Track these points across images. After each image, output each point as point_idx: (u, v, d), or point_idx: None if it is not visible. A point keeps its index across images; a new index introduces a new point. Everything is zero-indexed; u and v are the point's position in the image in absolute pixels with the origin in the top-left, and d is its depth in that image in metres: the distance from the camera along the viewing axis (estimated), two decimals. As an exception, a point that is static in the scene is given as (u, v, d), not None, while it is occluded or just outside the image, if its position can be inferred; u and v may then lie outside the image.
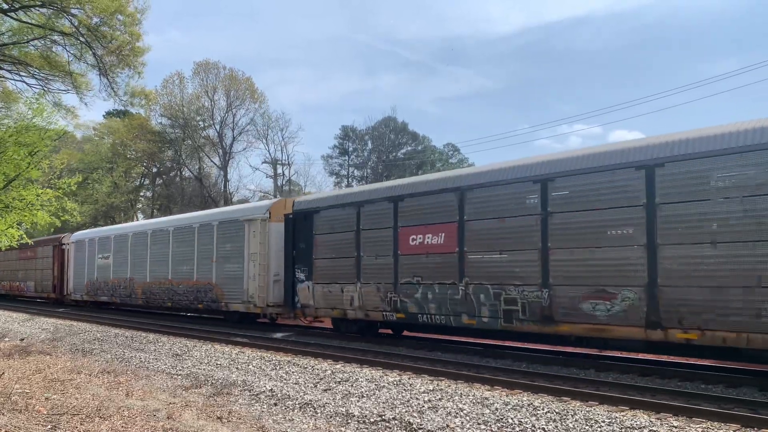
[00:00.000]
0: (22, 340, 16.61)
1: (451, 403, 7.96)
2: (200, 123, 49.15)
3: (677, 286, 9.45)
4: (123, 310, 26.90)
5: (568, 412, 7.36)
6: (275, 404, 8.27)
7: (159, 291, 22.49)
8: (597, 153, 10.83)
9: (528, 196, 11.43)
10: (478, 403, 7.95)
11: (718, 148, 9.27)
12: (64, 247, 30.11)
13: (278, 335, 16.66)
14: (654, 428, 6.64)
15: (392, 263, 13.75)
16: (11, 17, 21.50)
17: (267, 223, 18.03)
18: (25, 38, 22.75)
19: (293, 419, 7.49)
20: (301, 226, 16.25)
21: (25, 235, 17.30)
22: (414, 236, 13.33)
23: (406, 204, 13.62)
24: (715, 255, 9.11)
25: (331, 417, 7.54)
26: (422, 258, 13.13)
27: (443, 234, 12.77)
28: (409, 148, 55.39)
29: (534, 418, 7.19)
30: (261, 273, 17.85)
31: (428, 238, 13.06)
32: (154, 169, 53.23)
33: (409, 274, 13.38)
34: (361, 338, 15.24)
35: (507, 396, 8.41)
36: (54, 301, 31.01)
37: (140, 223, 29.97)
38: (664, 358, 11.56)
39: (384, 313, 14.00)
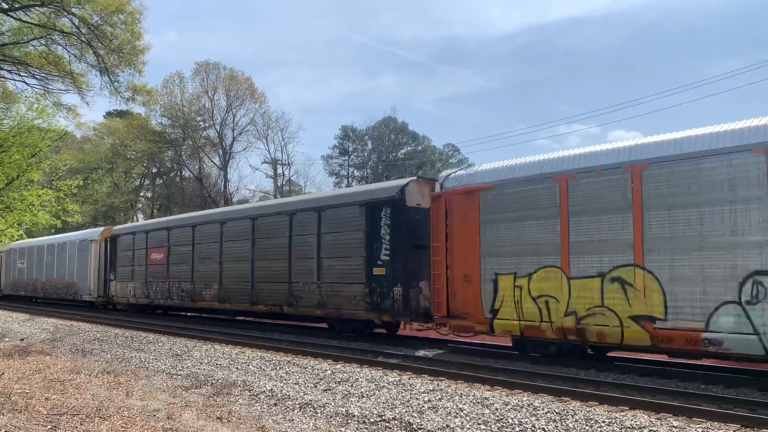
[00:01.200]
0: (22, 340, 16.61)
1: (451, 403, 7.96)
2: (200, 123, 49.21)
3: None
4: (125, 310, 27.69)
5: (568, 412, 7.36)
6: (275, 404, 8.27)
7: (48, 286, 32.11)
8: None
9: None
10: (478, 403, 7.95)
11: None
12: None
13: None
14: (654, 428, 6.64)
15: (144, 270, 23.80)
16: (11, 17, 21.50)
17: (98, 243, 27.33)
18: (25, 38, 22.75)
19: (293, 419, 7.49)
20: (112, 246, 26.15)
21: (25, 235, 17.33)
22: (154, 254, 23.34)
23: (152, 235, 23.63)
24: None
25: (331, 417, 7.54)
26: (157, 267, 23.06)
27: (162, 253, 22.88)
28: (409, 148, 55.41)
29: (534, 418, 7.19)
30: (96, 276, 27.51)
31: (157, 255, 23.24)
32: (154, 170, 53.26)
33: (151, 276, 23.33)
34: (357, 338, 15.37)
35: (507, 396, 8.41)
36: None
37: (41, 239, 36.09)
38: (664, 358, 11.56)
39: (143, 299, 24.17)
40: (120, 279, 25.45)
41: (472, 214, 12.02)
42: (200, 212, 24.89)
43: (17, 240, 16.88)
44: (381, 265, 14.17)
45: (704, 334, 8.95)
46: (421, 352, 12.95)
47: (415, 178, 14.88)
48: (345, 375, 10.06)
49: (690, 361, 11.14)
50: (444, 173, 13.27)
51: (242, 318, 22.05)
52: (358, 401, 8.29)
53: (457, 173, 12.99)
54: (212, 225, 20.39)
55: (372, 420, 7.31)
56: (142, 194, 56.78)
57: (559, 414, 7.29)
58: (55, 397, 8.67)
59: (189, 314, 24.81)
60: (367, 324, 15.34)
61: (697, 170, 9.29)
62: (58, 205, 16.34)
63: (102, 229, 29.36)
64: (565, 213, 10.68)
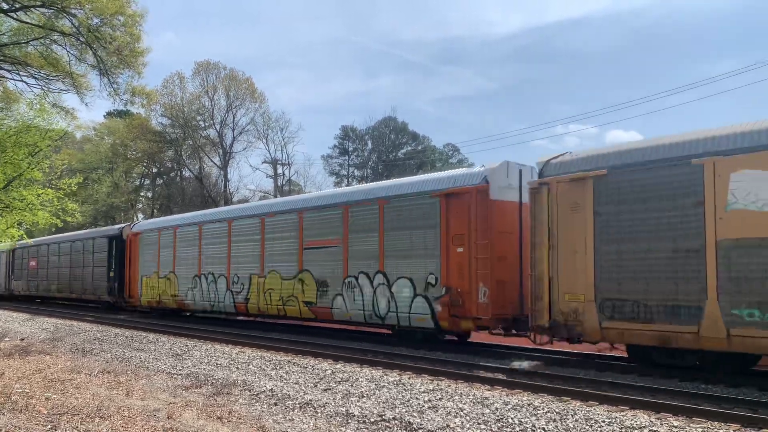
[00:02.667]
0: (22, 339, 16.61)
1: (451, 403, 7.96)
2: (200, 123, 49.18)
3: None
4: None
5: (568, 411, 7.36)
6: (275, 404, 8.27)
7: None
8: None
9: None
10: (478, 402, 7.95)
11: None
12: None
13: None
14: (654, 428, 6.64)
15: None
16: (11, 17, 21.48)
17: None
18: (25, 38, 22.73)
19: (293, 419, 7.49)
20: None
21: (25, 235, 17.33)
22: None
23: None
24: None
25: (331, 417, 7.54)
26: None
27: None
28: (409, 148, 55.39)
29: (534, 417, 7.19)
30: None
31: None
32: (155, 169, 53.24)
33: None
34: (362, 338, 15.27)
35: (507, 396, 8.41)
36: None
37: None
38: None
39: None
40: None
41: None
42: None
43: (18, 240, 16.85)
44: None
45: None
46: (515, 364, 10.97)
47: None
48: (345, 375, 10.06)
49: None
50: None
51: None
52: (358, 401, 8.29)
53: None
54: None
55: (372, 420, 7.31)
56: (142, 194, 56.76)
57: (559, 414, 7.29)
58: (55, 396, 8.67)
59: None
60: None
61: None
62: (58, 205, 16.32)
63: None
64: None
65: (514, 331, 12.59)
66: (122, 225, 27.77)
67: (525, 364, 10.85)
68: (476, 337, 14.46)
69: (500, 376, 10.06)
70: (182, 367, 11.41)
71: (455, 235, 12.88)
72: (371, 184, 17.91)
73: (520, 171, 12.98)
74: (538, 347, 12.26)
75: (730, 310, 8.84)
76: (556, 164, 11.20)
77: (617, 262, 10.01)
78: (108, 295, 26.37)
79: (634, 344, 10.19)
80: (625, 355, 11.01)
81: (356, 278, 14.79)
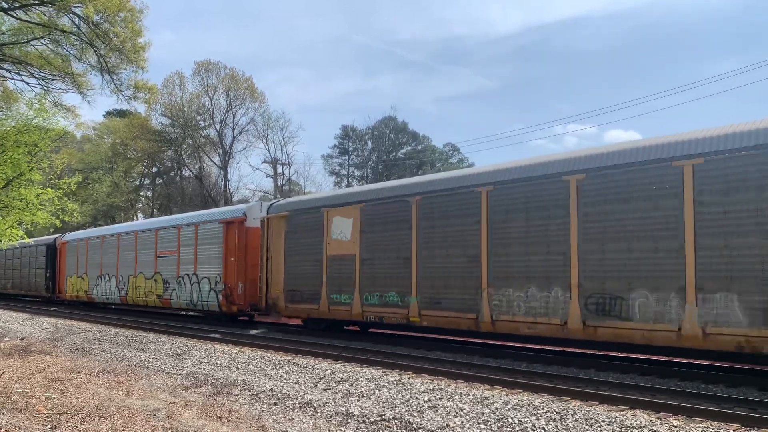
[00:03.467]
0: (22, 339, 16.61)
1: (451, 403, 7.96)
2: (200, 122, 49.18)
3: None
4: (121, 311, 27.85)
5: (568, 411, 7.36)
6: (275, 404, 8.27)
7: None
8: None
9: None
10: (478, 402, 7.95)
11: None
12: None
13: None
14: (654, 428, 6.64)
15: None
16: (12, 16, 21.48)
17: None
18: (26, 37, 22.74)
19: (293, 419, 7.49)
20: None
21: (25, 235, 17.30)
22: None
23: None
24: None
25: (331, 416, 7.54)
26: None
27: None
28: (409, 148, 55.39)
29: (534, 417, 7.19)
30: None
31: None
32: (155, 169, 53.24)
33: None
34: (357, 337, 15.44)
35: (507, 395, 8.41)
36: None
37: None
38: (664, 358, 11.56)
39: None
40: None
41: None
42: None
43: (19, 240, 16.85)
44: None
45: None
46: (252, 332, 17.76)
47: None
48: (345, 374, 10.06)
49: (690, 361, 11.15)
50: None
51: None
52: (358, 401, 8.29)
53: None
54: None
55: (372, 419, 7.31)
56: (142, 194, 56.77)
57: (559, 413, 7.29)
58: (55, 396, 8.67)
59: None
60: None
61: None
62: (58, 204, 16.31)
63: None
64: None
65: (258, 312, 19.52)
66: (56, 236, 33.94)
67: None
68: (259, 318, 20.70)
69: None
70: (182, 366, 11.41)
71: (229, 249, 19.59)
72: (190, 213, 25.24)
73: (268, 207, 18.59)
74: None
75: (331, 295, 15.62)
76: (273, 206, 18.28)
77: (293, 268, 16.77)
78: (45, 291, 33.10)
79: (303, 318, 17.13)
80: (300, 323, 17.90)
81: (183, 278, 21.66)
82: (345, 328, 16.79)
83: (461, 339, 14.83)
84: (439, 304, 13.05)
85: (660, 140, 10.24)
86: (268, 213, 17.98)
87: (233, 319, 20.27)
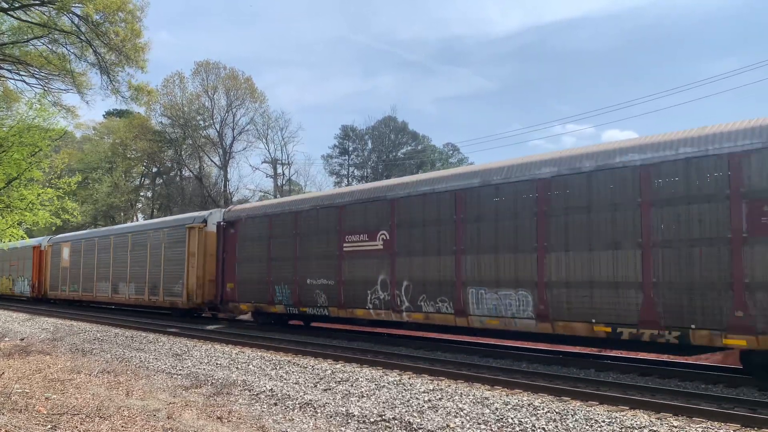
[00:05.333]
0: (22, 339, 16.61)
1: (451, 403, 7.96)
2: (200, 122, 49.14)
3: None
4: (122, 311, 27.85)
5: (568, 411, 7.36)
6: (275, 404, 8.27)
7: None
8: None
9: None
10: (478, 402, 7.95)
11: None
12: None
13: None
14: (654, 428, 6.64)
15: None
16: (11, 16, 21.48)
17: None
18: (26, 37, 22.74)
19: (293, 419, 7.49)
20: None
21: (25, 235, 17.29)
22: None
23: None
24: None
25: (331, 417, 7.54)
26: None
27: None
28: (409, 148, 55.35)
29: (534, 417, 7.19)
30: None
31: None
32: (154, 169, 53.21)
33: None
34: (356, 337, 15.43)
35: (507, 396, 8.40)
36: None
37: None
38: (664, 358, 11.56)
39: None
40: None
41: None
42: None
43: (19, 240, 16.90)
44: None
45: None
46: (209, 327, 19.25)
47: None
48: (345, 375, 10.06)
49: (690, 361, 11.15)
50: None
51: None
52: (358, 401, 8.29)
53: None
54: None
55: (372, 420, 7.31)
56: (142, 194, 56.73)
57: (559, 414, 7.29)
58: (55, 396, 8.67)
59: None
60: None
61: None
62: (59, 204, 16.31)
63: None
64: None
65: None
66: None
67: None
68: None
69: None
70: (182, 367, 11.40)
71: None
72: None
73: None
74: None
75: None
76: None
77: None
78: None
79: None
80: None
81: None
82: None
83: (461, 339, 14.83)
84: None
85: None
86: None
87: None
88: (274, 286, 17.11)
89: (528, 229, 11.16)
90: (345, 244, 14.92)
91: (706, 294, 8.96)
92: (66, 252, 30.78)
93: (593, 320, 10.14)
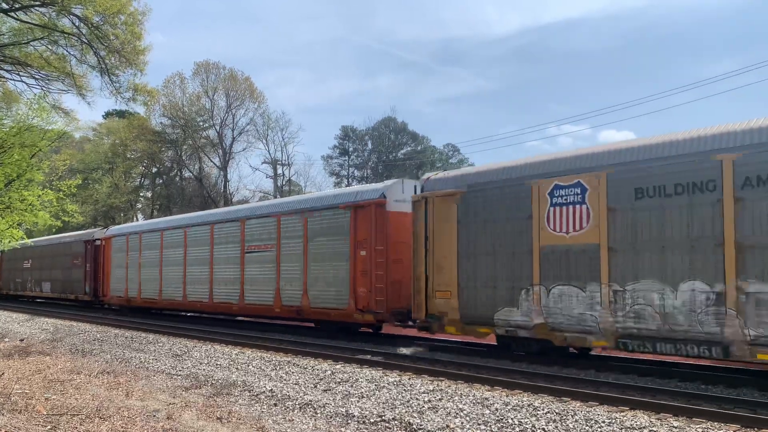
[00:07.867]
0: (22, 340, 16.61)
1: (451, 404, 7.95)
2: (200, 123, 49.12)
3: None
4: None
5: (568, 412, 7.36)
6: (275, 405, 8.27)
7: None
8: None
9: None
10: (478, 403, 7.94)
11: None
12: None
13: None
14: (654, 428, 6.64)
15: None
16: (12, 17, 21.48)
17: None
18: (26, 39, 22.73)
19: (293, 419, 7.49)
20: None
21: (25, 236, 17.30)
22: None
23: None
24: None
25: (331, 417, 7.54)
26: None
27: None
28: (409, 148, 55.36)
29: (534, 418, 7.19)
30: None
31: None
32: (154, 170, 53.19)
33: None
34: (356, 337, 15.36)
35: (507, 396, 8.40)
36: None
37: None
38: (663, 358, 11.55)
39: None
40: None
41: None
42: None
43: (19, 241, 16.87)
44: None
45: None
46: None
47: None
48: (345, 375, 10.05)
49: (690, 361, 11.14)
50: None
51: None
52: (358, 401, 8.29)
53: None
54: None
55: (372, 420, 7.31)
56: (142, 194, 56.71)
57: (559, 414, 7.29)
58: (55, 397, 8.67)
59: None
60: None
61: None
62: (59, 206, 16.33)
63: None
64: None
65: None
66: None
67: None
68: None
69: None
70: (182, 367, 11.40)
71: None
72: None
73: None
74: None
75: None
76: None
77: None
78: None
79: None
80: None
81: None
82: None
83: (462, 339, 14.80)
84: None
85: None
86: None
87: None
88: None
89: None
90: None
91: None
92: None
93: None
